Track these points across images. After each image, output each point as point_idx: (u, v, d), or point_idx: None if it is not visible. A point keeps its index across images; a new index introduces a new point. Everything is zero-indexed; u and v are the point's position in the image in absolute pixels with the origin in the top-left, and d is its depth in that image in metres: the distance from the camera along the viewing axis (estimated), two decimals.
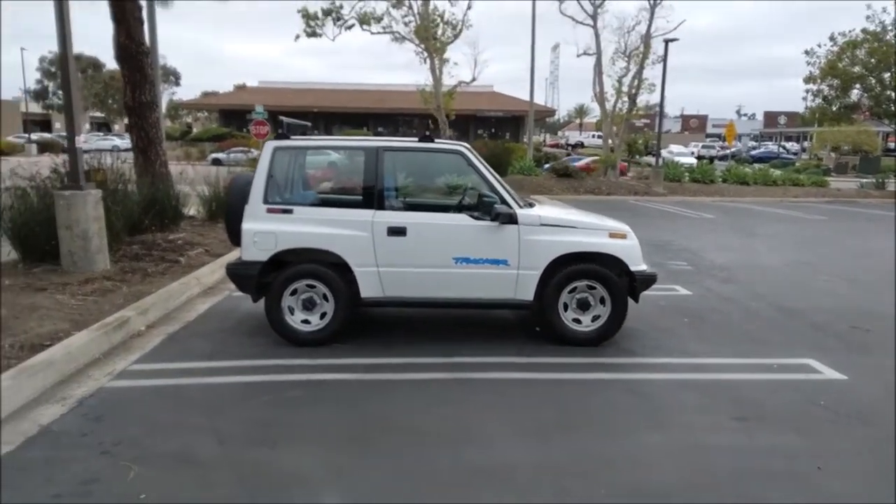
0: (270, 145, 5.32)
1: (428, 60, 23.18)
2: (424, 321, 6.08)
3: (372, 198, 5.24)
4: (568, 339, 5.33)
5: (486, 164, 5.59)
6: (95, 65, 55.06)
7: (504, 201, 5.22)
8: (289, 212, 5.23)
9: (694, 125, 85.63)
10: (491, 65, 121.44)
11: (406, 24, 23.40)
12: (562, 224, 5.28)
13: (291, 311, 5.29)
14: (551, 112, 52.49)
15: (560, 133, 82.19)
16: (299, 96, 49.31)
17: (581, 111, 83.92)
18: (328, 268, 5.22)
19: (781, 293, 7.46)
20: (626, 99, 23.51)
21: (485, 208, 5.18)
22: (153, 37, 14.71)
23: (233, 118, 51.35)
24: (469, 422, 3.89)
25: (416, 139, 5.42)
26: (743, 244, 11.47)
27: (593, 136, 53.73)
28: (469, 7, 24.17)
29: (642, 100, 23.93)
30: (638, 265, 5.33)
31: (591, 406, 4.16)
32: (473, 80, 25.76)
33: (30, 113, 55.06)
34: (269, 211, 5.23)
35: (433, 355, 5.05)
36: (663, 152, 54.81)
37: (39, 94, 56.85)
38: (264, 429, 3.78)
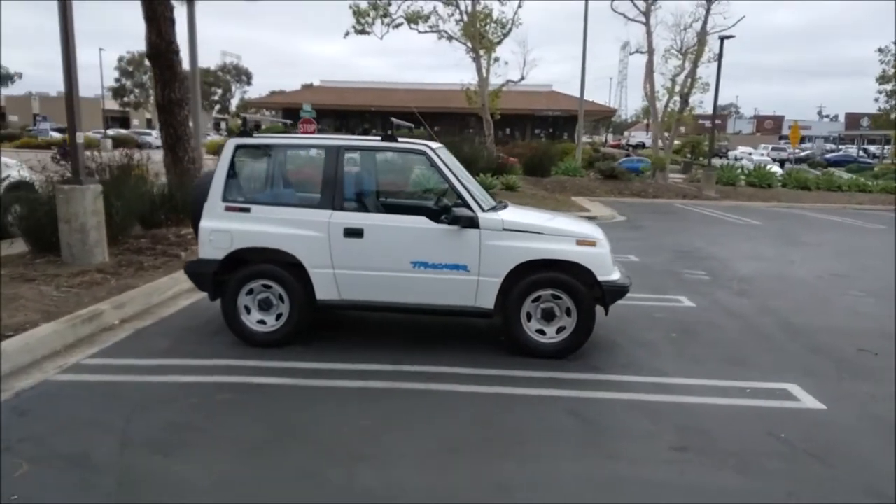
0: (232, 142, 5.26)
1: (475, 60, 22.91)
2: (394, 326, 5.90)
3: (330, 198, 5.10)
4: (530, 351, 5.04)
5: (454, 164, 5.37)
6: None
7: (466, 204, 4.97)
8: (246, 210, 5.15)
9: (769, 126, 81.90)
10: (552, 64, 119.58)
11: (457, 23, 23.26)
12: (526, 229, 4.99)
13: (248, 310, 5.22)
14: (611, 112, 51.18)
15: (626, 133, 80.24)
16: (358, 95, 50.01)
17: (647, 111, 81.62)
18: (284, 268, 5.11)
19: (796, 309, 6.88)
20: (677, 98, 22.56)
21: (444, 211, 4.95)
22: (192, 36, 15.12)
23: (296, 116, 52.55)
24: (384, 437, 3.69)
25: (380, 138, 5.25)
26: (779, 253, 10.73)
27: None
28: (520, 6, 23.71)
29: (695, 99, 22.92)
30: (607, 275, 4.98)
31: (520, 426, 3.88)
32: (522, 78, 25.38)
33: (108, 110, 58.01)
34: (227, 209, 5.17)
35: (384, 362, 4.87)
36: (733, 154, 52.88)
37: (118, 92, 59.79)
38: (173, 433, 3.69)
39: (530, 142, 30.07)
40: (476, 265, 4.97)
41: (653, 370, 4.87)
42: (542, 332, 5.07)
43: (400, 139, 5.22)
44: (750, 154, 49.32)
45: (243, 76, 74.10)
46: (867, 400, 4.39)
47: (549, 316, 5.05)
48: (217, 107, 70.08)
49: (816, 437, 3.81)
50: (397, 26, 22.88)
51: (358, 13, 22.93)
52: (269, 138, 5.60)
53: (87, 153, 8.26)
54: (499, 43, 24.29)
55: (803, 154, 49.05)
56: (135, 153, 9.67)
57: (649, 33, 22.16)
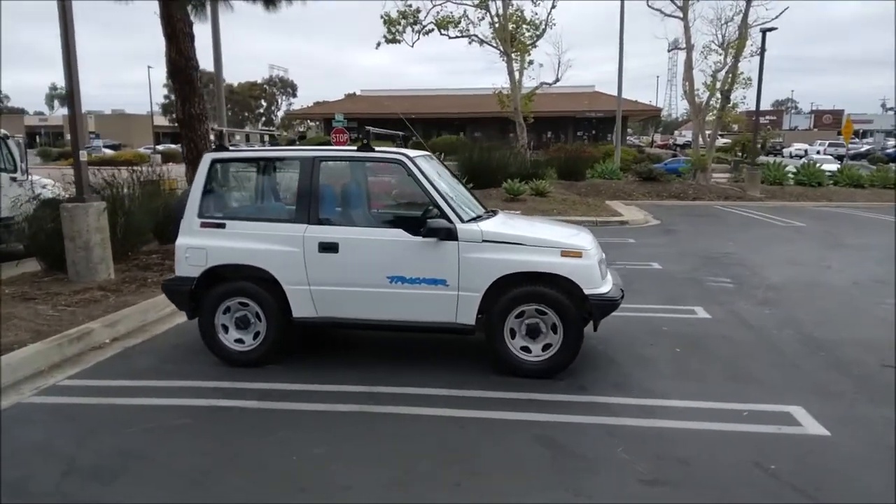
0: (208, 157, 5.16)
1: (506, 62, 22.61)
2: (379, 343, 5.69)
3: (305, 211, 4.93)
4: (514, 370, 4.75)
5: (436, 173, 5.13)
6: (213, 80, 58.82)
7: (444, 215, 4.73)
8: (221, 226, 5.04)
9: (827, 121, 78.50)
10: (596, 64, 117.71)
11: (490, 26, 22.99)
12: (507, 241, 4.70)
13: (226, 329, 5.10)
14: (656, 111, 49.93)
15: (677, 132, 78.28)
16: (396, 103, 50.13)
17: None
18: (259, 285, 4.97)
19: (822, 320, 6.36)
20: (718, 95, 21.68)
21: (421, 223, 4.72)
22: (217, 52, 15.36)
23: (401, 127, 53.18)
24: (332, 467, 3.47)
25: (355, 148, 5.06)
26: (817, 258, 10.06)
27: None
28: (553, 6, 23.31)
29: (738, 95, 21.95)
30: (595, 287, 4.64)
31: (481, 455, 3.59)
32: (557, 80, 24.91)
33: (159, 126, 59.95)
34: (203, 225, 5.06)
35: (358, 383, 4.66)
36: (789, 150, 50.82)
37: (167, 108, 61.81)
38: (118, 460, 3.57)
39: (570, 144, 29.38)
40: (455, 279, 4.72)
41: (645, 391, 4.51)
42: (527, 349, 4.77)
43: (377, 148, 5.01)
44: (805, 151, 47.36)
45: (288, 88, 75.72)
46: (881, 426, 3.93)
47: (534, 332, 4.75)
48: (262, 119, 71.69)
49: (811, 468, 3.41)
50: (427, 33, 22.78)
51: (388, 22, 22.94)
52: (244, 151, 5.48)
53: (94, 170, 8.37)
54: (532, 45, 23.91)
55: (863, 149, 46.68)
56: (145, 168, 9.75)
57: (687, 28, 21.39)
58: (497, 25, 22.74)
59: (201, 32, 14.99)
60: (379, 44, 23.46)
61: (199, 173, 5.12)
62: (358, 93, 57.09)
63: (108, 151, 45.76)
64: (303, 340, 5.72)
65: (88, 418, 4.16)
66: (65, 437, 3.88)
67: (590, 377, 4.77)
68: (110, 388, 4.67)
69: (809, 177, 21.47)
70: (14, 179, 10.66)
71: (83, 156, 7.40)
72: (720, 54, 21.59)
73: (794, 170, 22.35)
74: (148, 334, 6.08)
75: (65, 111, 73.25)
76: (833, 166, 23.59)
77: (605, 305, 4.66)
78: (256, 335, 5.06)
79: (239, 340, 5.08)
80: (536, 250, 4.68)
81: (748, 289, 7.75)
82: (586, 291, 4.61)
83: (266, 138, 62.46)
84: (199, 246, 5.02)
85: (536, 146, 43.56)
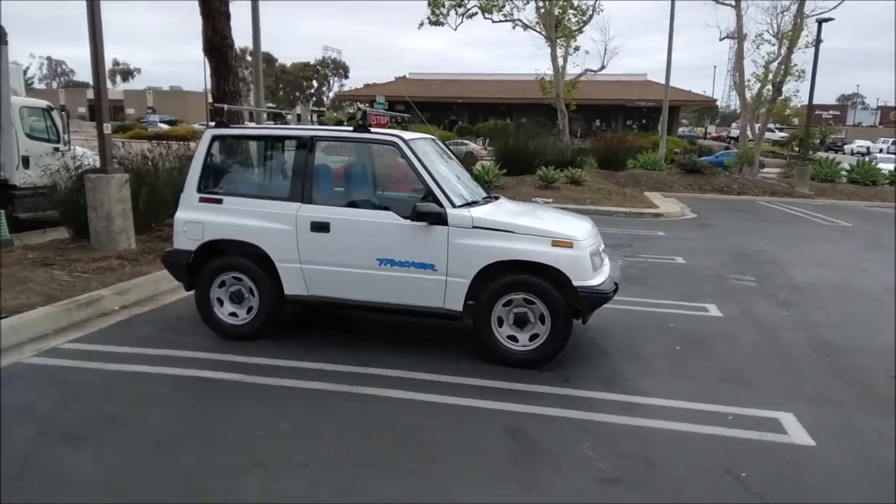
0: (208, 133, 5.22)
1: (550, 48, 22.21)
2: (378, 325, 5.69)
3: (299, 190, 4.94)
4: (500, 359, 4.68)
5: (433, 156, 5.06)
6: (268, 60, 59.86)
7: (435, 199, 4.67)
8: (219, 201, 5.09)
9: (894, 118, 74.69)
10: (652, 53, 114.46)
11: (536, 11, 22.62)
12: (497, 227, 4.61)
13: (220, 302, 5.17)
14: (710, 102, 48.31)
15: (734, 124, 75.77)
16: (444, 87, 50.05)
17: (756, 100, 76.50)
18: (252, 261, 5.02)
19: (840, 324, 6.06)
20: (770, 87, 20.80)
21: (411, 206, 4.67)
22: (256, 30, 15.50)
23: (387, 110, 53.29)
24: (293, 444, 3.49)
25: (352, 128, 5.03)
26: (855, 259, 9.58)
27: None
28: None
29: (790, 88, 21.03)
30: (584, 279, 4.51)
31: (445, 442, 3.55)
32: (602, 67, 24.39)
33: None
34: (201, 200, 5.13)
35: (344, 363, 4.66)
36: (850, 147, 48.50)
37: None
38: (92, 425, 3.67)
39: (619, 134, 28.71)
40: (444, 264, 4.67)
41: (630, 388, 4.37)
42: (514, 338, 4.69)
43: (372, 129, 4.97)
44: (867, 148, 45.18)
45: (340, 70, 76.28)
46: (873, 438, 3.72)
47: (521, 322, 4.66)
48: (313, 100, 72.50)
49: (785, 479, 3.25)
50: (471, 16, 22.55)
51: (433, 3, 22.79)
52: (244, 129, 5.52)
53: (119, 143, 8.58)
54: (578, 31, 23.42)
55: None
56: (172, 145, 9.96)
57: (739, 17, 20.56)
58: (542, 10, 22.33)
59: (243, 12, 15.12)
60: (422, 24, 23.37)
61: (200, 149, 5.18)
62: (407, 76, 57.12)
63: (164, 126, 47.04)
64: (302, 318, 5.78)
65: (77, 382, 4.29)
66: (49, 399, 4.01)
67: (577, 370, 4.66)
68: (106, 354, 4.80)
69: (864, 175, 20.45)
70: (56, 150, 11.05)
71: (107, 129, 7.60)
72: (773, 45, 20.71)
73: (848, 167, 21.33)
74: (156, 304, 6.22)
75: (125, 86, 75.71)
76: (890, 165, 22.35)
77: (595, 298, 4.53)
78: (250, 310, 5.12)
79: (233, 314, 5.15)
80: (527, 238, 4.57)
81: (771, 288, 7.45)
82: (575, 283, 4.49)
83: (314, 118, 63.20)
84: (196, 220, 5.10)
85: (584, 134, 42.85)
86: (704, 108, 66.19)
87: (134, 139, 34.59)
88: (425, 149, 5.14)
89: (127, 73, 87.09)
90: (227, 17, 11.83)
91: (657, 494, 3.07)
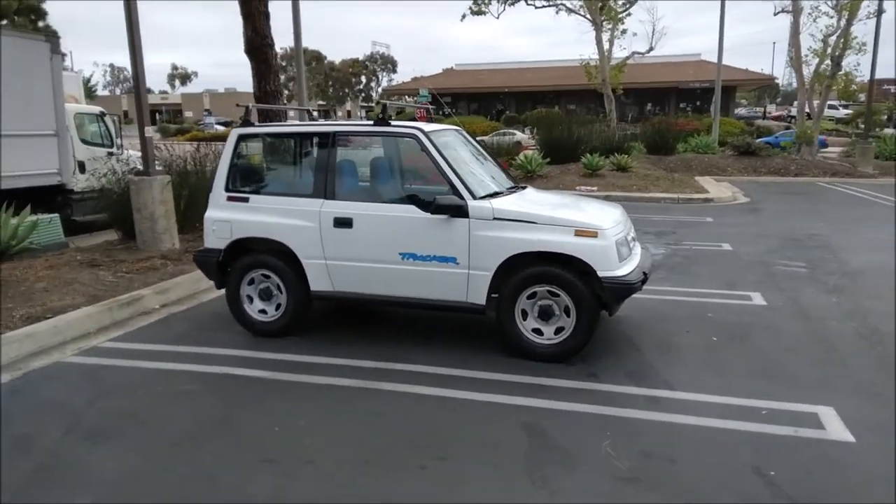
0: (235, 132, 5.29)
1: (595, 32, 21.71)
2: (407, 320, 5.68)
3: (322, 186, 4.96)
4: (525, 352, 4.59)
5: (456, 147, 4.99)
6: (318, 58, 60.71)
7: (455, 191, 4.60)
8: (245, 200, 5.17)
9: None
10: (703, 32, 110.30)
11: None
12: (518, 218, 4.51)
13: (250, 300, 5.25)
14: (769, 80, 46.35)
15: (796, 103, 72.57)
16: (492, 77, 49.70)
17: (820, 77, 72.97)
18: (279, 258, 5.07)
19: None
20: (829, 62, 19.76)
21: (431, 199, 4.62)
22: (297, 29, 15.66)
23: (434, 102, 53.36)
24: (308, 440, 3.51)
25: (371, 122, 5.00)
26: None
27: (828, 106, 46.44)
28: None
29: (849, 62, 19.91)
30: (610, 269, 4.37)
31: (461, 438, 3.50)
32: (651, 49, 23.70)
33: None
34: (229, 199, 5.22)
35: (371, 358, 4.66)
36: None
37: None
38: (117, 421, 3.78)
39: (673, 117, 27.92)
40: (466, 257, 4.60)
41: (660, 381, 4.22)
42: (539, 331, 4.59)
43: (393, 122, 4.94)
44: None
45: (389, 64, 76.72)
46: None
47: (546, 315, 4.56)
48: (361, 95, 73.18)
49: (818, 479, 3.06)
50: (513, 3, 22.25)
51: None
52: (268, 127, 5.57)
53: (161, 146, 8.83)
54: (625, 14, 22.80)
55: None
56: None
57: None
58: None
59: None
60: (464, 16, 23.22)
61: (227, 149, 5.26)
62: (454, 67, 56.98)
63: (220, 128, 48.34)
64: (331, 314, 5.82)
65: (110, 379, 4.43)
66: (82, 396, 4.15)
67: (605, 363, 4.53)
68: (141, 352, 4.95)
69: None
70: (111, 154, 11.50)
71: (148, 132, 7.82)
72: (832, 17, 19.65)
73: None
74: (195, 302, 6.38)
75: (184, 90, 78.12)
76: None
77: (621, 289, 4.38)
78: (278, 307, 5.18)
79: (262, 311, 5.23)
80: (549, 229, 4.46)
81: (821, 275, 7.08)
82: (600, 273, 4.35)
83: (362, 114, 63.88)
84: (224, 219, 5.18)
85: (636, 119, 41.81)
86: (764, 87, 63.66)
87: (191, 141, 35.84)
88: (447, 140, 5.08)
89: (185, 77, 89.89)
90: (267, 17, 11.99)
91: (677, 495, 2.93)
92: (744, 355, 4.69)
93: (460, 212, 4.55)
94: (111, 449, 3.45)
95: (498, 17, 22.68)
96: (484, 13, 22.82)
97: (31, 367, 4.67)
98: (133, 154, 12.08)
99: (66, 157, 10.39)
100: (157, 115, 65.59)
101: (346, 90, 70.40)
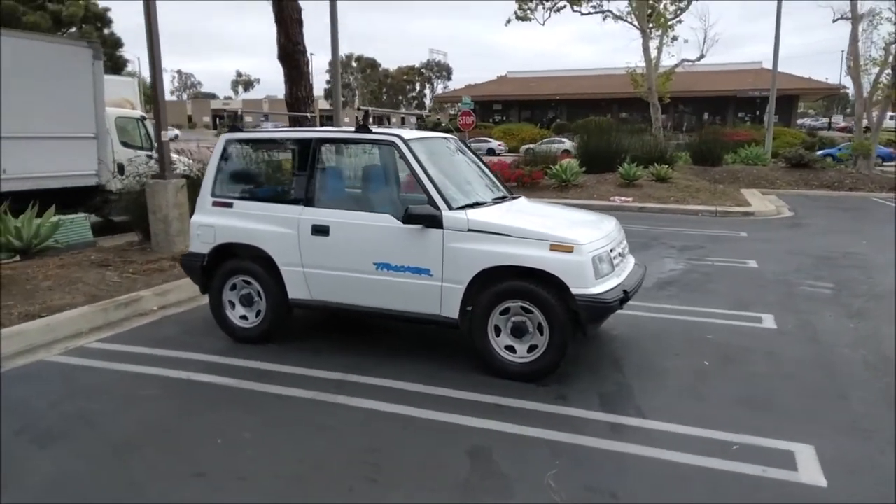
0: (223, 138, 5.30)
1: (642, 39, 21.18)
2: (391, 331, 5.55)
3: (302, 193, 4.91)
4: (497, 370, 4.40)
5: (426, 155, 4.78)
6: (373, 65, 61.50)
7: (431, 200, 4.46)
8: (229, 205, 5.16)
9: None
10: (765, 40, 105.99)
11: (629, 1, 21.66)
12: (493, 231, 4.34)
13: (232, 305, 5.24)
14: (833, 90, 44.21)
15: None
16: (543, 84, 49.28)
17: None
18: (259, 264, 5.04)
19: None
20: (889, 71, 18.65)
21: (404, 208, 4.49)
22: (335, 35, 15.83)
23: (485, 108, 53.31)
24: (246, 452, 3.42)
25: (354, 129, 4.92)
26: None
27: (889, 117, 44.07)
28: None
29: None
30: (584, 287, 4.14)
31: (400, 461, 3.35)
32: (702, 56, 22.95)
33: (323, 109, 64.04)
34: (214, 204, 5.23)
35: (337, 370, 4.56)
36: None
37: (328, 93, 65.67)
38: (69, 424, 3.78)
39: (730, 127, 27.00)
40: (439, 269, 4.46)
41: (631, 408, 3.96)
42: (512, 349, 4.40)
43: (374, 129, 4.84)
44: None
45: (444, 71, 77.16)
46: None
47: (519, 332, 4.36)
48: (414, 103, 73.78)
49: None
50: (559, 10, 21.94)
51: None
52: (254, 133, 5.56)
53: (179, 149, 8.98)
54: (675, 20, 22.17)
55: None
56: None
57: None
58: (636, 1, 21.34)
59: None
60: (509, 21, 23.03)
61: (214, 153, 5.28)
62: (507, 74, 56.79)
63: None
64: (316, 322, 5.76)
65: (82, 381, 4.47)
66: (47, 397, 4.19)
67: (580, 385, 4.29)
68: (122, 354, 4.99)
69: None
70: (150, 157, 11.85)
71: (164, 136, 7.98)
72: (894, 23, 18.53)
73: None
74: (193, 305, 6.41)
75: (246, 95, 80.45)
76: None
77: (595, 308, 4.14)
78: (258, 313, 5.14)
79: (243, 317, 5.20)
80: (523, 242, 4.26)
81: (847, 297, 6.60)
82: (573, 291, 4.13)
83: (415, 120, 64.33)
84: (208, 224, 5.19)
85: (691, 128, 40.61)
86: (832, 97, 60.95)
87: None
88: (431, 148, 4.95)
89: (248, 84, 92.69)
90: (300, 23, 12.13)
91: None
92: (733, 382, 4.37)
93: (434, 222, 4.41)
94: (53, 452, 3.45)
95: (543, 24, 22.39)
96: (529, 19, 22.57)
97: (13, 365, 4.76)
98: (175, 157, 12.41)
99: (105, 158, 10.75)
100: (217, 119, 67.72)
101: (400, 97, 71.15)
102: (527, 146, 27.71)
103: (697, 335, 5.36)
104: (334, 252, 4.76)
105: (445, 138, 5.40)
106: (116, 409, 3.98)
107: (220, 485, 3.12)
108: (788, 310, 6.10)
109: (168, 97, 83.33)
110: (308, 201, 4.88)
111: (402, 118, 74.76)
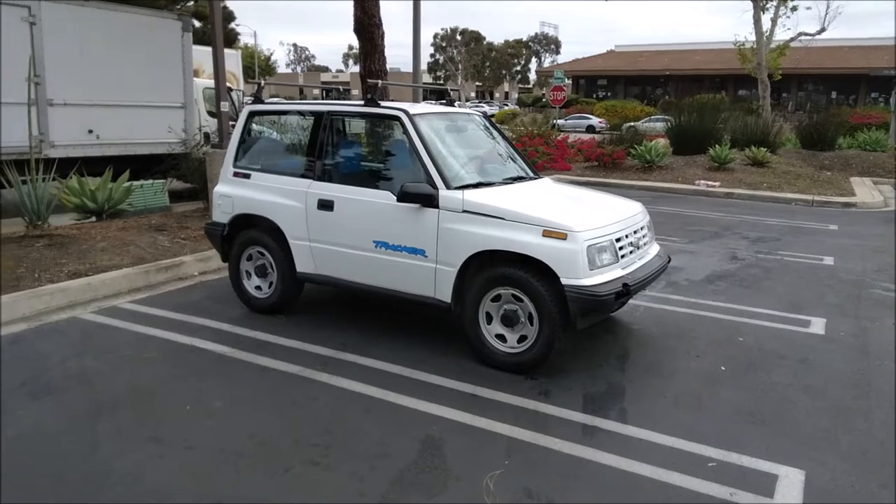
0: (246, 109, 5.38)
1: (753, 9, 19.53)
2: (400, 310, 5.48)
3: (311, 167, 4.91)
4: (485, 359, 4.24)
5: (431, 132, 4.61)
6: (477, 38, 60.96)
7: (429, 179, 4.32)
8: (248, 177, 5.25)
9: None
10: None
11: None
12: (487, 213, 4.14)
13: (248, 276, 5.35)
14: None
15: None
16: (652, 59, 46.94)
17: None
18: (271, 236, 5.10)
19: None
20: None
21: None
22: (417, 6, 15.68)
23: (590, 84, 51.62)
24: (206, 423, 3.49)
25: (363, 102, 4.83)
26: None
27: None
28: None
29: None
30: (575, 277, 3.86)
31: (352, 444, 3.29)
32: (823, 29, 20.84)
33: (425, 83, 64.50)
34: (235, 175, 5.34)
35: (330, 346, 4.56)
36: None
37: (432, 67, 65.86)
38: (67, 380, 4.00)
39: (831, 107, 24.62)
40: (434, 250, 4.33)
41: (614, 411, 3.68)
42: (502, 338, 4.20)
43: (383, 103, 4.73)
44: None
45: (552, 45, 75.28)
46: None
47: (510, 320, 4.16)
48: (518, 77, 72.52)
49: None
50: None
51: None
52: (276, 105, 5.58)
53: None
54: None
55: None
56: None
57: None
58: None
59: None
60: None
61: (238, 125, 5.37)
62: (614, 48, 54.59)
63: None
64: (339, 298, 5.78)
65: (97, 339, 4.73)
66: (61, 352, 4.45)
67: (570, 381, 4.04)
68: (147, 316, 5.24)
69: None
70: (201, 129, 12.38)
71: (224, 107, 8.26)
72: None
73: None
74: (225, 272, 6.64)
75: (355, 69, 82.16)
76: None
77: (585, 300, 3.85)
78: (271, 284, 5.23)
79: (258, 287, 5.31)
80: (516, 226, 4.03)
81: None
82: (563, 281, 3.87)
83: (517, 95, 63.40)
84: (228, 194, 5.31)
85: (816, 108, 37.36)
86: None
87: None
88: (441, 125, 4.79)
89: (357, 57, 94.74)
90: None
91: None
92: (743, 392, 3.96)
93: (430, 201, 4.27)
94: (41, 405, 3.66)
95: None
96: None
97: (48, 321, 5.11)
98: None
99: (191, 126, 11.34)
100: (325, 93, 69.90)
101: (504, 72, 70.17)
102: (629, 124, 26.56)
103: (728, 336, 4.91)
104: (338, 227, 4.73)
105: (468, 114, 5.20)
106: (114, 370, 4.17)
107: (168, 452, 3.19)
108: (846, 314, 5.46)
109: (283, 70, 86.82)
110: (317, 175, 4.87)
111: (507, 93, 73.79)
